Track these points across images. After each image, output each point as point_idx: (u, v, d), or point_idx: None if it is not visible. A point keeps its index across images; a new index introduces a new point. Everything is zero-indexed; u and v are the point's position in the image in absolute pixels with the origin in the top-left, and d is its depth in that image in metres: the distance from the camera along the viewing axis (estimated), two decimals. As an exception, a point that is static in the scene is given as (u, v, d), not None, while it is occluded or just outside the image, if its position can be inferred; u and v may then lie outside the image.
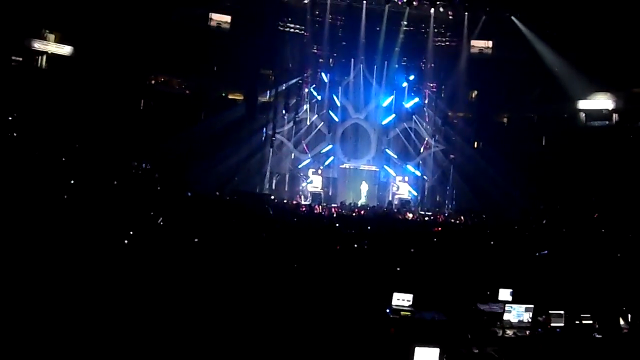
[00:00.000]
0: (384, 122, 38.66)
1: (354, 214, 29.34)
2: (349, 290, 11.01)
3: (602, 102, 34.91)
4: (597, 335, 10.38)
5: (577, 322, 10.67)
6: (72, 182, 19.62)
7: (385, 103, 38.54)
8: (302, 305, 10.02)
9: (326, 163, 37.97)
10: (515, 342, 9.98)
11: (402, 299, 10.55)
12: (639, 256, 17.37)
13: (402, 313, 10.38)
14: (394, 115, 38.59)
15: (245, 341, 8.41)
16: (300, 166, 37.92)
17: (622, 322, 10.83)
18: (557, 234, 24.68)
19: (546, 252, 18.23)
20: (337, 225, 20.65)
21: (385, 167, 38.36)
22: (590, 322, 10.73)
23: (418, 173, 38.59)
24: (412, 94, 39.15)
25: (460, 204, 36.48)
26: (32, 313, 8.36)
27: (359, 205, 34.89)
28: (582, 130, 35.59)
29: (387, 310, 10.41)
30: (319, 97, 38.55)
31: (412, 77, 39.14)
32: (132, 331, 8.19)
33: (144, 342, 8.01)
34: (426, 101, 39.65)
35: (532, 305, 10.79)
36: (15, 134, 23.80)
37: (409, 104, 38.87)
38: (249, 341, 8.40)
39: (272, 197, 33.62)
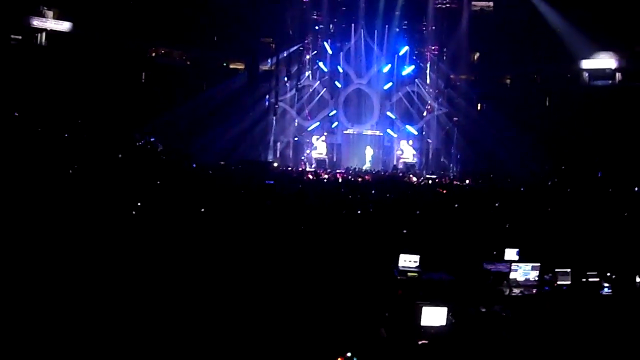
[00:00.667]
0: (385, 87, 38.52)
1: (359, 179, 29.33)
2: (355, 253, 11.06)
3: (605, 61, 34.69)
4: (605, 292, 10.42)
5: (583, 279, 10.71)
6: (75, 164, 19.60)
7: (386, 69, 38.36)
8: (309, 271, 10.09)
9: (332, 127, 37.92)
10: (522, 301, 10.04)
11: (408, 260, 10.58)
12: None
13: (409, 274, 10.42)
14: (391, 84, 38.44)
15: (254, 303, 8.49)
16: (311, 128, 37.91)
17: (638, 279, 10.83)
18: (563, 193, 24.73)
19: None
20: (342, 190, 20.65)
21: (389, 130, 38.29)
22: (597, 279, 10.77)
23: (414, 131, 38.50)
24: (414, 57, 38.95)
25: (465, 167, 36.47)
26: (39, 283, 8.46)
27: (364, 170, 34.93)
28: (585, 90, 35.43)
29: (394, 272, 10.46)
30: (322, 66, 38.35)
31: (410, 44, 38.95)
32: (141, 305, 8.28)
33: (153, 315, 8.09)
34: (428, 64, 39.43)
35: (538, 264, 10.83)
36: (17, 114, 23.74)
37: (407, 71, 38.66)
38: (258, 303, 8.48)
39: (275, 164, 33.70)
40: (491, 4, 38.05)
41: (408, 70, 38.59)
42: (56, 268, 9.06)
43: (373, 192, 21.61)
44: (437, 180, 31.94)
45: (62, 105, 26.81)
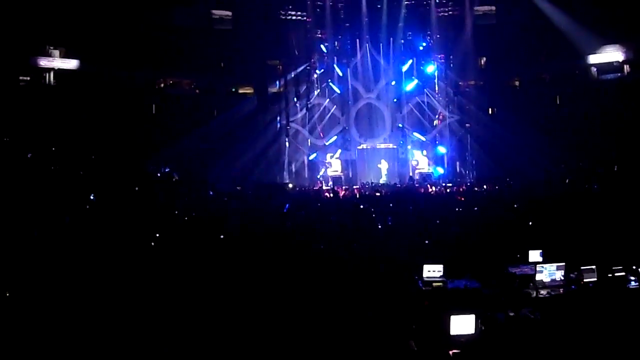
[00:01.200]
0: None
1: (377, 194, 29.32)
2: (379, 267, 11.06)
3: (612, 54, 34.56)
4: (632, 286, 10.37)
5: (609, 275, 10.66)
6: (92, 196, 19.73)
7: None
8: (335, 288, 10.09)
9: (346, 143, 37.94)
10: (549, 302, 10.01)
11: (433, 270, 10.59)
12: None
13: (434, 284, 10.43)
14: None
15: (280, 318, 8.51)
16: (311, 157, 37.93)
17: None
18: (581, 190, 24.64)
19: None
20: (362, 206, 20.64)
21: (402, 142, 38.28)
22: (623, 273, 10.72)
23: (422, 138, 38.48)
24: (421, 67, 38.96)
25: (481, 172, 36.35)
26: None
27: (380, 183, 34.89)
28: (594, 85, 35.31)
29: (419, 283, 10.45)
30: (336, 90, 38.42)
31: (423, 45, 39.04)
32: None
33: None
34: (436, 73, 39.45)
35: (563, 263, 10.80)
36: (30, 155, 23.89)
37: (410, 85, 38.73)
38: (285, 319, 8.49)
39: (290, 185, 33.76)
40: (493, 7, 37.99)
41: (412, 85, 38.61)
42: (73, 304, 9.11)
43: (391, 205, 21.59)
44: (454, 188, 31.90)
45: (75, 142, 26.97)
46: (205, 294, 9.73)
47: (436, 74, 39.35)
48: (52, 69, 31.74)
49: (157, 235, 13.79)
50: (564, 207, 18.84)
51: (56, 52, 31.95)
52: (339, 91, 38.35)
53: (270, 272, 10.71)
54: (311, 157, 37.74)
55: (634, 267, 10.79)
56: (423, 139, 38.50)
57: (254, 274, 10.73)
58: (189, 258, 11.87)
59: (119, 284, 9.99)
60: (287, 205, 22.25)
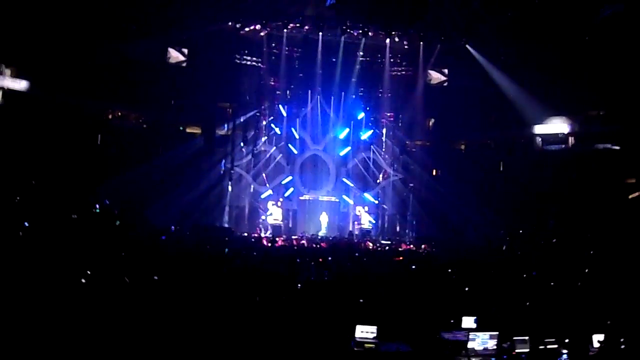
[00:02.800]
0: (341, 153, 38.74)
1: (315, 245, 29.17)
2: (310, 324, 10.84)
3: (557, 126, 35.26)
4: (563, 359, 10.35)
5: (541, 347, 10.64)
6: (26, 223, 19.18)
7: (342, 135, 38.67)
8: (264, 342, 9.83)
9: (286, 195, 37.87)
10: (480, 371, 9.92)
11: (366, 331, 10.42)
12: (599, 276, 17.53)
13: (367, 345, 10.25)
14: (349, 148, 38.77)
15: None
16: (264, 195, 37.69)
17: (595, 343, 10.80)
18: (518, 258, 24.84)
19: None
20: (298, 260, 20.41)
21: (344, 196, 38.37)
22: (555, 346, 10.71)
23: (374, 200, 38.63)
24: (370, 124, 39.36)
25: (421, 232, 36.53)
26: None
27: (320, 236, 34.76)
28: (538, 155, 35.94)
29: (351, 344, 10.27)
30: (278, 131, 38.53)
31: (366, 110, 39.37)
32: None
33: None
34: (384, 130, 39.84)
35: (496, 332, 10.73)
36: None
37: (365, 136, 39.05)
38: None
39: (232, 230, 33.43)
40: (445, 71, 38.68)
41: (367, 135, 38.95)
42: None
43: (330, 259, 21.41)
44: (393, 246, 31.95)
45: (16, 165, 26.34)
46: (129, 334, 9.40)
47: (385, 131, 39.70)
48: (2, 87, 31.07)
49: (88, 271, 13.33)
50: (500, 273, 18.93)
51: (7, 71, 31.31)
52: (279, 132, 38.47)
53: (197, 321, 10.39)
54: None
55: (567, 340, 10.79)
56: (375, 201, 38.69)
57: (179, 318, 10.42)
58: (118, 298, 11.48)
59: (41, 321, 9.58)
60: (227, 249, 21.98)
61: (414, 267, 20.17)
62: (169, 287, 13.00)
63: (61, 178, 27.33)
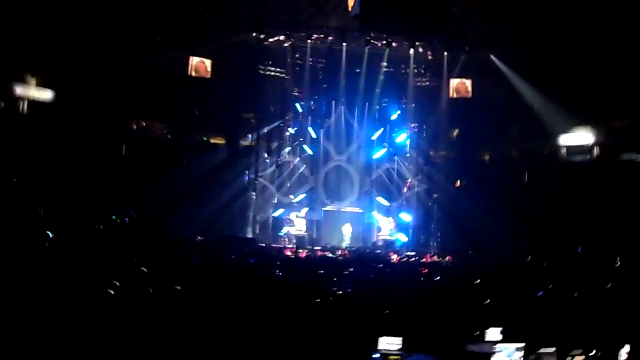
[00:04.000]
0: (375, 156, 38.87)
1: (339, 257, 29.07)
2: (334, 335, 10.76)
3: (582, 136, 34.96)
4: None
5: (568, 358, 10.49)
6: (51, 233, 19.27)
7: (375, 136, 38.77)
8: (288, 354, 9.77)
9: (312, 204, 37.83)
10: (507, 384, 9.79)
11: (390, 343, 10.31)
12: (627, 287, 17.30)
13: (391, 357, 10.13)
14: (385, 150, 38.94)
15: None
16: (276, 214, 37.80)
17: (623, 354, 10.64)
18: (543, 269, 24.60)
19: (542, 292, 18.13)
20: (322, 272, 20.32)
21: (374, 214, 38.38)
22: (582, 357, 10.55)
23: (408, 218, 38.49)
24: (397, 129, 39.27)
25: (445, 243, 36.35)
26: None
27: (343, 247, 34.67)
28: (563, 166, 35.65)
29: (375, 355, 10.17)
30: (309, 151, 38.61)
31: (396, 115, 39.34)
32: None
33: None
34: (408, 141, 39.73)
35: (523, 344, 10.59)
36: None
37: (400, 138, 39.08)
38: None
39: (256, 240, 33.45)
40: (469, 81, 38.48)
41: (401, 137, 39.02)
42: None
43: (352, 269, 21.33)
44: (417, 257, 31.77)
45: (41, 175, 26.51)
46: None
47: (408, 142, 39.61)
48: (27, 97, 31.27)
49: (114, 282, 13.33)
50: (525, 284, 18.75)
51: (33, 81, 31.54)
52: (311, 152, 38.54)
53: (220, 332, 10.34)
54: (275, 214, 37.51)
55: (594, 352, 10.64)
56: (408, 218, 38.51)
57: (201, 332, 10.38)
58: (142, 308, 11.46)
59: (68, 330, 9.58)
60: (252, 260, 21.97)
61: (438, 278, 20.03)
62: (192, 298, 12.98)
63: (86, 188, 27.47)
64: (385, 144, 38.98)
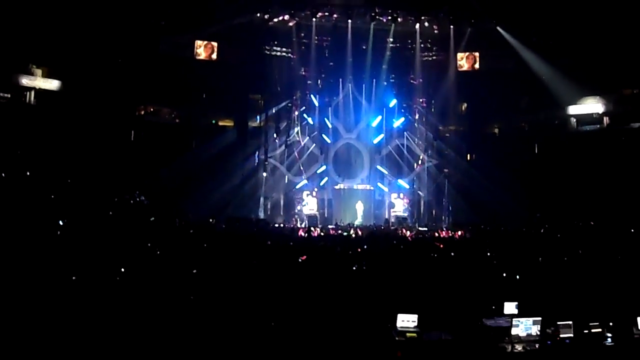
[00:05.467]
0: (375, 141, 38.65)
1: (352, 235, 29.02)
2: (351, 314, 10.77)
3: (592, 106, 34.88)
4: (608, 343, 10.19)
5: (586, 331, 10.47)
6: (63, 220, 19.34)
7: (375, 123, 38.57)
8: (304, 333, 9.78)
9: (320, 184, 37.84)
10: (525, 357, 9.78)
11: (407, 320, 10.32)
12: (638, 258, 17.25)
13: (408, 334, 10.13)
14: (382, 136, 38.72)
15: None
16: (299, 185, 37.91)
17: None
18: (556, 241, 24.55)
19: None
20: (338, 249, 20.31)
21: (379, 184, 38.28)
22: (599, 330, 10.54)
23: (406, 185, 38.52)
24: (402, 110, 39.18)
25: (457, 218, 36.31)
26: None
27: (355, 225, 34.64)
28: (573, 136, 35.54)
29: (393, 333, 10.18)
30: (310, 121, 38.54)
31: (398, 96, 39.19)
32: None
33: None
34: (417, 117, 39.60)
35: (539, 318, 10.57)
36: (3, 175, 23.42)
37: (397, 123, 38.90)
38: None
39: (268, 221, 33.48)
40: (477, 54, 38.22)
41: (398, 122, 38.78)
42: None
43: (365, 247, 21.31)
44: (429, 232, 31.72)
45: (51, 164, 26.58)
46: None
47: (417, 117, 39.48)
48: (34, 88, 31.33)
49: (123, 269, 13.36)
50: (538, 257, 18.72)
51: (39, 71, 31.59)
52: (312, 122, 38.41)
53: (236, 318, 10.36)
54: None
55: (611, 324, 10.62)
56: (407, 186, 38.48)
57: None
58: (156, 292, 11.49)
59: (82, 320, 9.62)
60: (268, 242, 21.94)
61: (452, 254, 20.00)
62: (209, 280, 13.02)
63: (96, 175, 27.53)
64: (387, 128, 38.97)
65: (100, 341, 8.78)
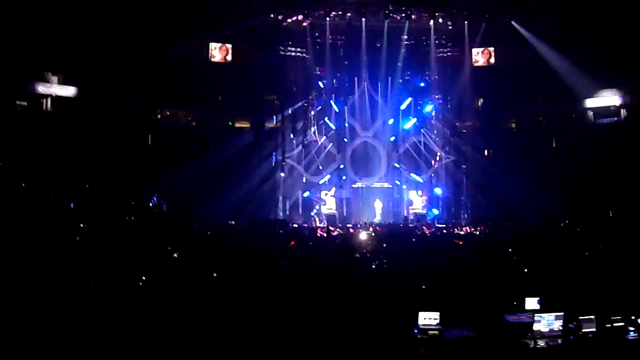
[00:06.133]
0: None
1: (372, 233, 29.00)
2: (373, 312, 10.78)
3: (609, 98, 34.67)
4: (630, 337, 10.15)
5: (608, 325, 10.44)
6: (83, 225, 19.48)
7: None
8: (326, 331, 9.80)
9: (341, 181, 37.85)
10: (548, 353, 9.76)
11: (428, 318, 10.34)
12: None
13: (430, 332, 10.17)
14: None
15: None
16: (306, 194, 37.88)
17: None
18: (577, 235, 24.44)
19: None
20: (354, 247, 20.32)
21: (397, 182, 38.27)
22: (622, 324, 10.50)
23: (420, 179, 38.47)
24: (418, 108, 39.12)
25: (476, 214, 36.23)
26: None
27: (375, 223, 34.63)
28: (591, 129, 35.36)
29: (415, 331, 10.20)
30: (332, 125, 38.50)
31: (414, 95, 39.13)
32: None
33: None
34: (433, 113, 39.53)
35: (562, 313, 10.56)
36: (24, 184, 23.53)
37: (408, 125, 38.87)
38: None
39: (287, 222, 33.53)
40: (493, 57, 38.09)
41: (409, 124, 38.73)
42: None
43: (385, 245, 21.32)
44: (449, 229, 31.65)
45: (69, 171, 26.71)
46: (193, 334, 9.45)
47: (433, 114, 39.41)
48: (50, 95, 31.50)
49: (144, 276, 13.42)
50: (560, 252, 18.64)
51: (54, 79, 31.76)
52: (334, 128, 38.37)
53: (259, 317, 10.39)
54: (305, 195, 37.61)
55: (633, 318, 10.57)
56: (419, 179, 38.40)
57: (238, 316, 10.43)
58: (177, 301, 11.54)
59: (106, 323, 9.69)
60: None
61: (472, 250, 19.99)
62: (228, 284, 13.06)
63: (114, 180, 27.65)
64: (411, 116, 38.83)
65: (119, 347, 8.85)
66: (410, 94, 38.97)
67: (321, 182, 37.89)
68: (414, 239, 24.11)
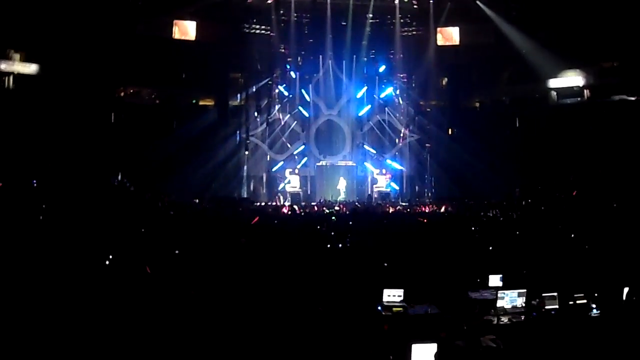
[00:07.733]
0: (360, 113, 38.76)
1: (335, 210, 29.05)
2: (336, 290, 10.76)
3: (572, 79, 34.98)
4: (593, 314, 10.25)
5: (571, 302, 10.53)
6: (44, 205, 19.24)
7: (360, 94, 38.52)
8: (289, 310, 9.76)
9: (302, 162, 37.81)
10: (511, 329, 9.82)
11: (392, 295, 10.33)
12: (621, 229, 17.36)
13: (394, 309, 10.17)
14: (369, 107, 38.79)
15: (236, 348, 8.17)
16: (275, 168, 37.76)
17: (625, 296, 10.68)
18: (539, 213, 24.71)
19: None
20: (320, 227, 20.30)
21: (366, 164, 38.34)
22: (585, 301, 10.59)
23: (399, 167, 38.59)
24: (383, 85, 39.17)
25: (440, 193, 36.46)
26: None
27: (338, 201, 34.68)
28: (554, 109, 35.65)
29: (379, 308, 10.20)
30: (289, 95, 38.36)
31: (382, 68, 39.09)
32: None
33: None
34: (398, 92, 39.59)
35: (524, 290, 10.63)
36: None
37: (383, 94, 38.85)
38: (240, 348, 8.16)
39: (251, 200, 33.48)
40: (457, 29, 38.14)
41: (386, 92, 38.86)
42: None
43: (350, 223, 21.35)
44: (413, 207, 31.83)
45: (32, 149, 26.37)
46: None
47: (398, 92, 39.47)
48: (12, 72, 30.99)
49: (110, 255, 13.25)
50: (522, 230, 18.83)
51: (17, 56, 31.24)
52: (300, 108, 38.25)
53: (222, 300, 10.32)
54: (275, 169, 37.51)
55: (596, 295, 10.68)
56: (400, 167, 38.56)
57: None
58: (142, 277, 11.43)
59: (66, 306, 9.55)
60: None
61: (435, 227, 20.09)
62: (195, 261, 12.98)
63: (77, 158, 27.36)
64: (372, 99, 38.89)
65: (89, 331, 8.73)
66: (373, 75, 38.92)
67: (280, 164, 37.84)
68: (378, 217, 24.15)
